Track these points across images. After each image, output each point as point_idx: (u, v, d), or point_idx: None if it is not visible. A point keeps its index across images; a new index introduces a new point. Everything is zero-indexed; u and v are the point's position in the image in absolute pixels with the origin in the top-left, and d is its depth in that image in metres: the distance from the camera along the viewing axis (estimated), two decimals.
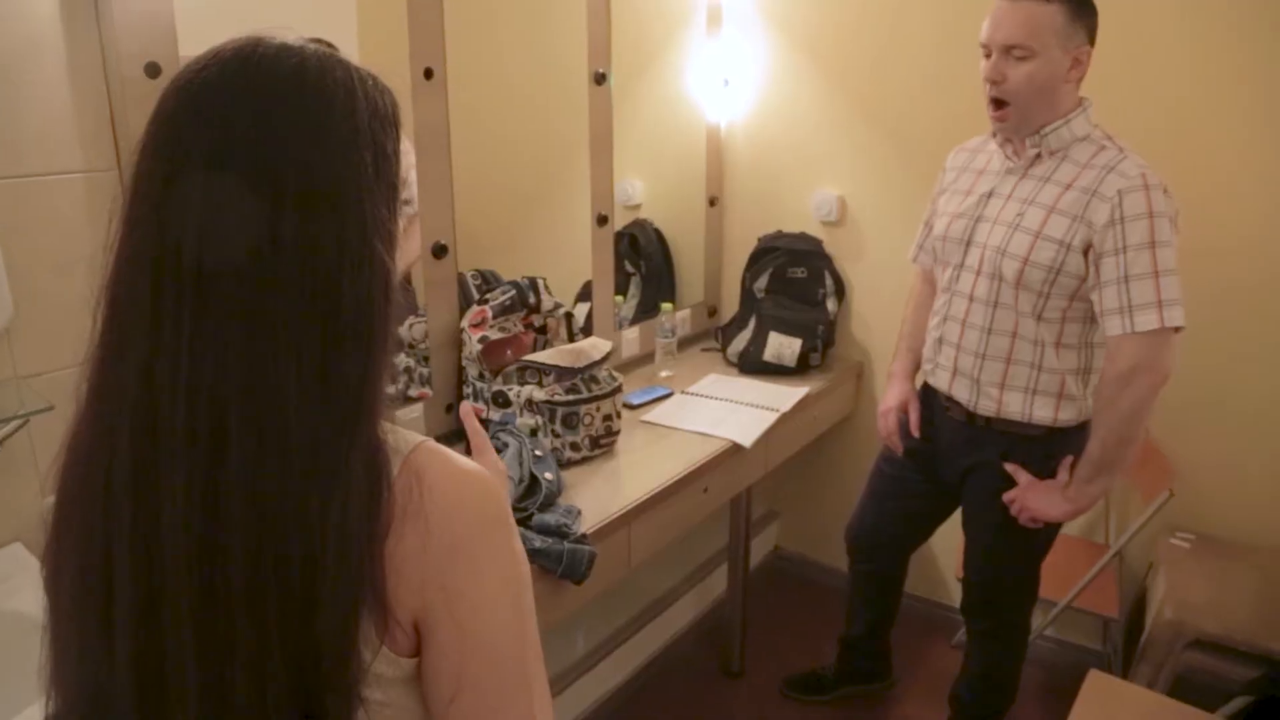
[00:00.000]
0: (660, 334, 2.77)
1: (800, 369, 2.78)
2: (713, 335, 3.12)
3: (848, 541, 2.44)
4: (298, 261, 0.64)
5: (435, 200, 2.08)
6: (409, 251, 2.18)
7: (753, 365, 2.79)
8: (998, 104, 1.80)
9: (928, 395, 2.15)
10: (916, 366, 2.24)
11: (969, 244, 1.93)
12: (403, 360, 2.18)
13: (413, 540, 0.68)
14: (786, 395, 2.58)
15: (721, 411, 2.44)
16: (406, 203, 2.19)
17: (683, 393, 2.60)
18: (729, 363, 2.89)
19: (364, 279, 0.67)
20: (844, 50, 2.81)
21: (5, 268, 1.43)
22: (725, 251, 3.23)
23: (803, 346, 2.76)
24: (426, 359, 2.14)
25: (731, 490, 2.38)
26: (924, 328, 2.18)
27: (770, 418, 2.42)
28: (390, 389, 0.72)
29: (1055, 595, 2.36)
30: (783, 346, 2.78)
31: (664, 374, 2.75)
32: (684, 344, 3.01)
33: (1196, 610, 2.13)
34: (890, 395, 2.23)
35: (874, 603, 2.48)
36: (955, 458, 2.08)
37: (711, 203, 3.14)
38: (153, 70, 1.53)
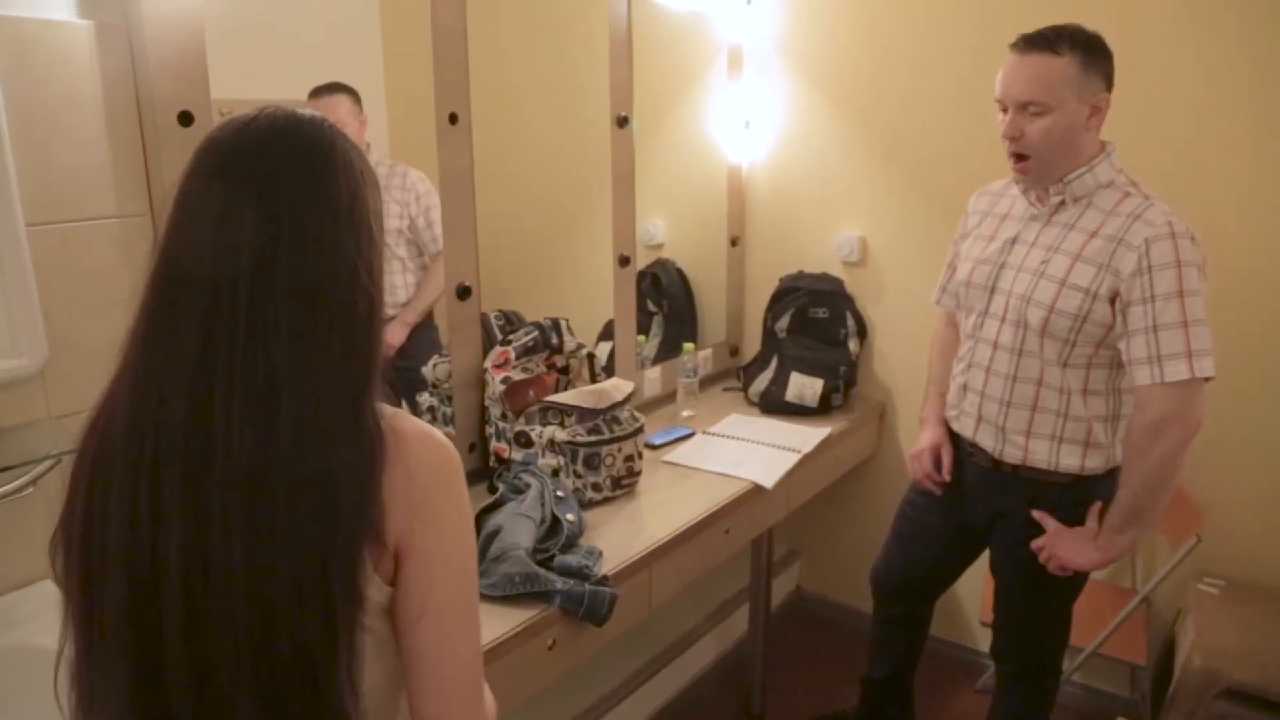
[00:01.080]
0: (682, 374, 2.78)
1: (822, 409, 2.77)
2: (734, 375, 3.12)
3: (873, 584, 2.42)
4: (327, 282, 0.84)
5: (459, 242, 2.10)
6: (432, 289, 2.21)
7: (774, 405, 2.79)
8: (1019, 158, 1.80)
9: (952, 440, 2.13)
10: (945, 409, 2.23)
11: (993, 291, 1.92)
12: (426, 400, 2.20)
13: (398, 479, 0.85)
14: (808, 435, 2.57)
15: (743, 452, 2.44)
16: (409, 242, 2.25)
17: (704, 433, 2.60)
18: (751, 402, 2.89)
19: (366, 296, 0.87)
20: (865, 92, 2.84)
21: (41, 311, 1.46)
22: (747, 291, 3.24)
23: (825, 387, 2.76)
24: (450, 398, 2.16)
25: (753, 531, 2.37)
26: (951, 371, 2.17)
27: (792, 458, 2.41)
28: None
29: (1082, 641, 2.33)
30: (805, 386, 2.78)
31: (686, 414, 2.75)
32: (706, 384, 3.02)
33: (1228, 658, 2.09)
34: (923, 438, 2.20)
35: (898, 646, 2.45)
36: (981, 503, 2.06)
37: (733, 243, 3.16)
38: (185, 119, 1.56)
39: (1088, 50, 1.73)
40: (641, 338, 2.82)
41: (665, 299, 3.04)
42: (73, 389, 1.53)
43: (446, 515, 0.89)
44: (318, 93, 2.04)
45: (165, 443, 0.80)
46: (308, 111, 0.88)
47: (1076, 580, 1.99)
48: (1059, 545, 1.88)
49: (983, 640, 2.92)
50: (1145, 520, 1.80)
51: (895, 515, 2.35)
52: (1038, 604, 2.06)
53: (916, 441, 2.23)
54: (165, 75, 1.54)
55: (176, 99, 1.55)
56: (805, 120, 2.99)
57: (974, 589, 2.68)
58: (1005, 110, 1.79)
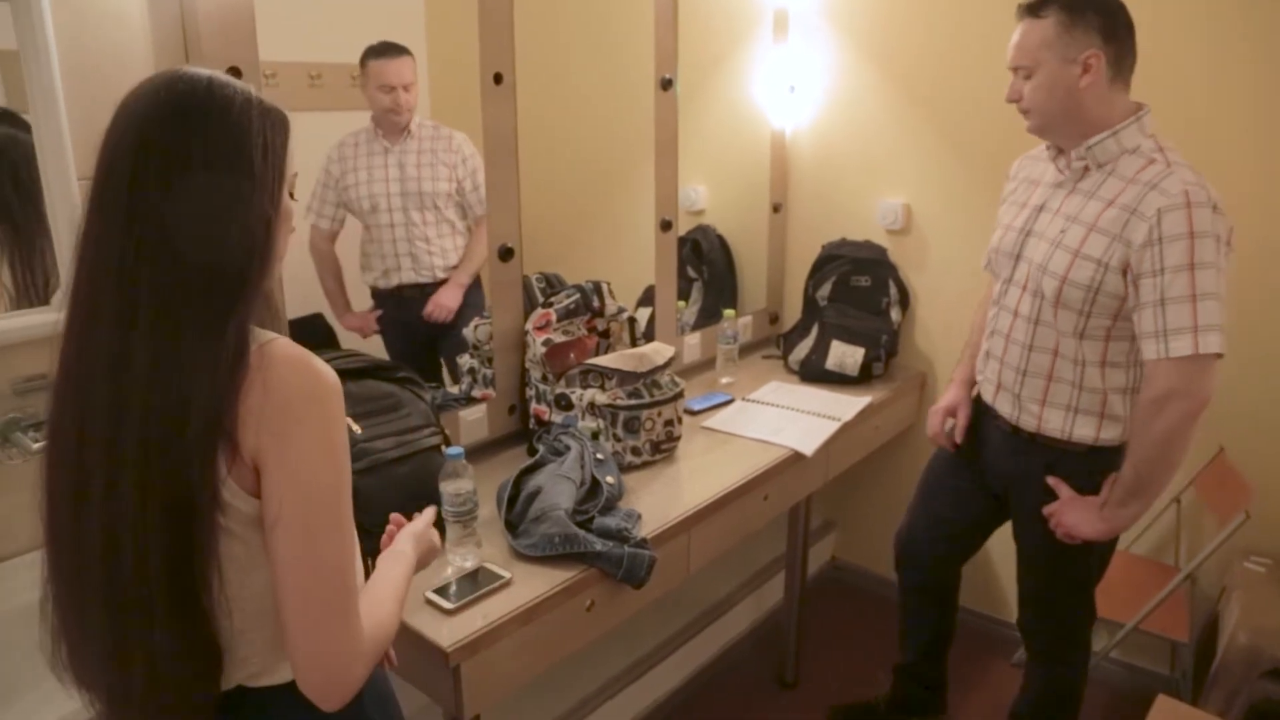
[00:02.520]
0: (722, 340, 2.76)
1: (863, 378, 2.75)
2: (774, 342, 3.10)
3: (896, 549, 2.39)
4: (202, 198, 0.91)
5: (502, 203, 2.10)
6: (480, 252, 2.21)
7: (814, 373, 2.77)
8: (1026, 114, 1.84)
9: (979, 403, 2.13)
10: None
11: (1019, 258, 1.91)
12: (466, 361, 2.21)
13: (256, 396, 0.93)
14: (848, 404, 2.56)
15: (782, 419, 2.43)
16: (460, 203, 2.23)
17: (744, 399, 2.59)
18: (790, 370, 2.87)
19: (249, 221, 0.93)
20: (910, 57, 2.78)
21: None
22: (788, 258, 3.21)
23: (865, 356, 2.74)
24: (490, 360, 2.17)
25: (791, 499, 2.37)
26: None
27: (832, 426, 2.40)
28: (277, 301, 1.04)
29: (1123, 617, 2.31)
30: (845, 355, 2.75)
31: (725, 380, 2.74)
32: (745, 350, 3.00)
33: (1274, 637, 2.06)
34: (945, 397, 2.22)
35: (927, 619, 2.41)
36: (1001, 464, 2.06)
37: (775, 209, 3.13)
38: (234, 74, 1.56)
39: (1070, 10, 1.72)
40: (681, 303, 2.81)
41: (705, 265, 3.02)
42: None
43: (302, 435, 0.95)
44: (390, 54, 2.05)
45: (66, 382, 0.94)
46: (193, 70, 0.95)
47: (1097, 551, 1.96)
48: (1067, 512, 1.87)
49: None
50: (1147, 494, 1.77)
51: (920, 478, 2.34)
52: (1058, 575, 2.03)
53: (940, 400, 2.23)
54: (214, 33, 1.53)
55: (225, 57, 1.55)
56: (850, 85, 2.94)
57: (1008, 556, 2.66)
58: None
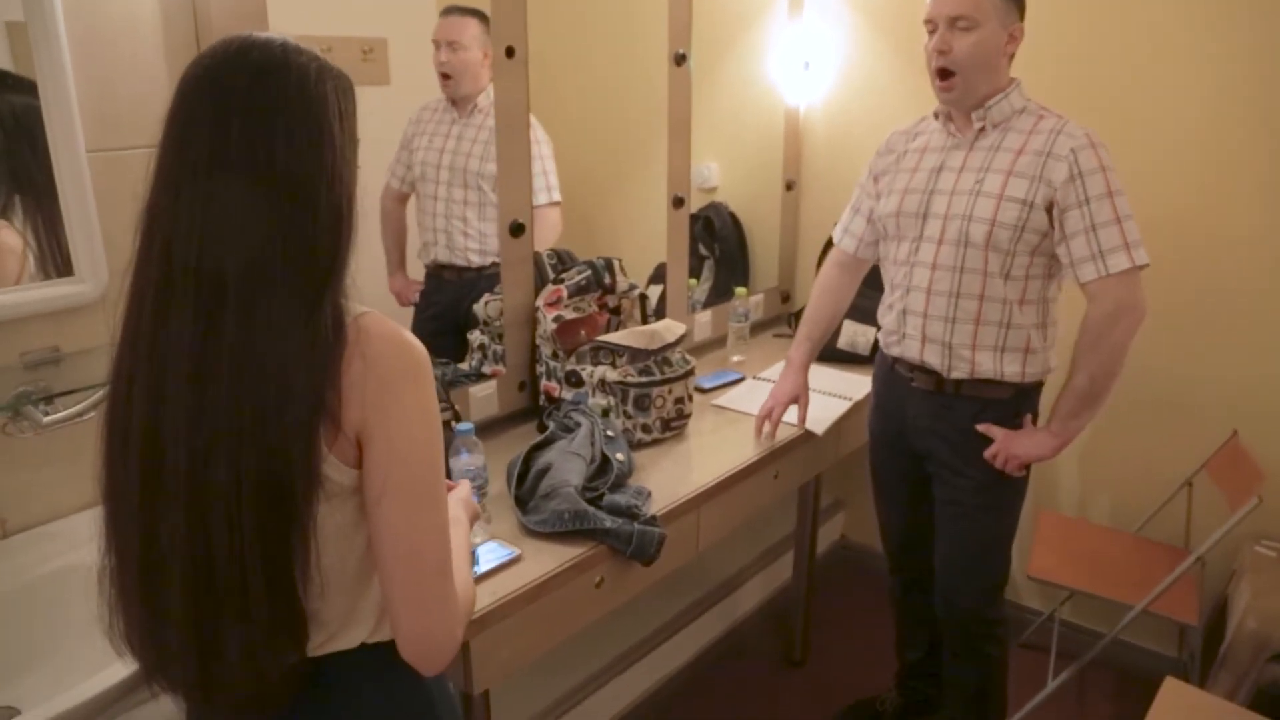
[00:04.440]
0: (733, 318, 2.75)
1: (874, 358, 2.73)
2: (786, 321, 3.09)
3: (888, 553, 2.39)
4: (288, 174, 0.88)
5: (513, 179, 2.09)
6: (547, 235, 2.25)
7: (826, 352, 2.75)
8: (944, 74, 1.89)
9: (889, 372, 2.16)
10: (813, 356, 2.28)
11: (926, 216, 1.98)
12: (477, 337, 2.20)
13: (356, 371, 0.92)
14: (859, 384, 2.55)
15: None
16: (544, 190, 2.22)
17: (754, 378, 2.58)
18: None
19: (335, 192, 0.91)
20: (925, 36, 2.74)
21: (102, 237, 1.47)
22: (801, 237, 3.19)
23: (876, 336, 2.72)
24: (500, 336, 2.16)
25: (802, 477, 2.36)
26: (829, 315, 2.29)
27: (843, 405, 2.39)
28: (351, 273, 0.96)
29: (1132, 599, 2.30)
30: (857, 334, 2.74)
31: (736, 358, 2.73)
32: (756, 329, 2.99)
33: None
34: (782, 387, 2.23)
35: (928, 614, 2.33)
36: (922, 425, 2.09)
37: (788, 187, 3.11)
38: None
39: None
40: (693, 281, 2.80)
41: (717, 243, 3.00)
42: None
43: (403, 409, 0.95)
44: (449, 11, 2.06)
45: (141, 352, 0.91)
46: (263, 35, 0.92)
47: (1015, 505, 2.08)
48: (1014, 444, 1.96)
49: (1025, 595, 2.91)
50: (1099, 404, 1.90)
51: (870, 477, 2.36)
52: (982, 530, 2.07)
53: (773, 391, 2.23)
54: (224, 5, 1.52)
55: (235, 28, 1.51)
56: (865, 63, 2.91)
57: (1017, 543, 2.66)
58: (933, 30, 1.89)
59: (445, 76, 2.11)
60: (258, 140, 0.87)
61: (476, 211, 2.18)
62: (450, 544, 1.01)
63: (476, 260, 2.21)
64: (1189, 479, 2.52)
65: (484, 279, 2.19)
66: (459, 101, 2.15)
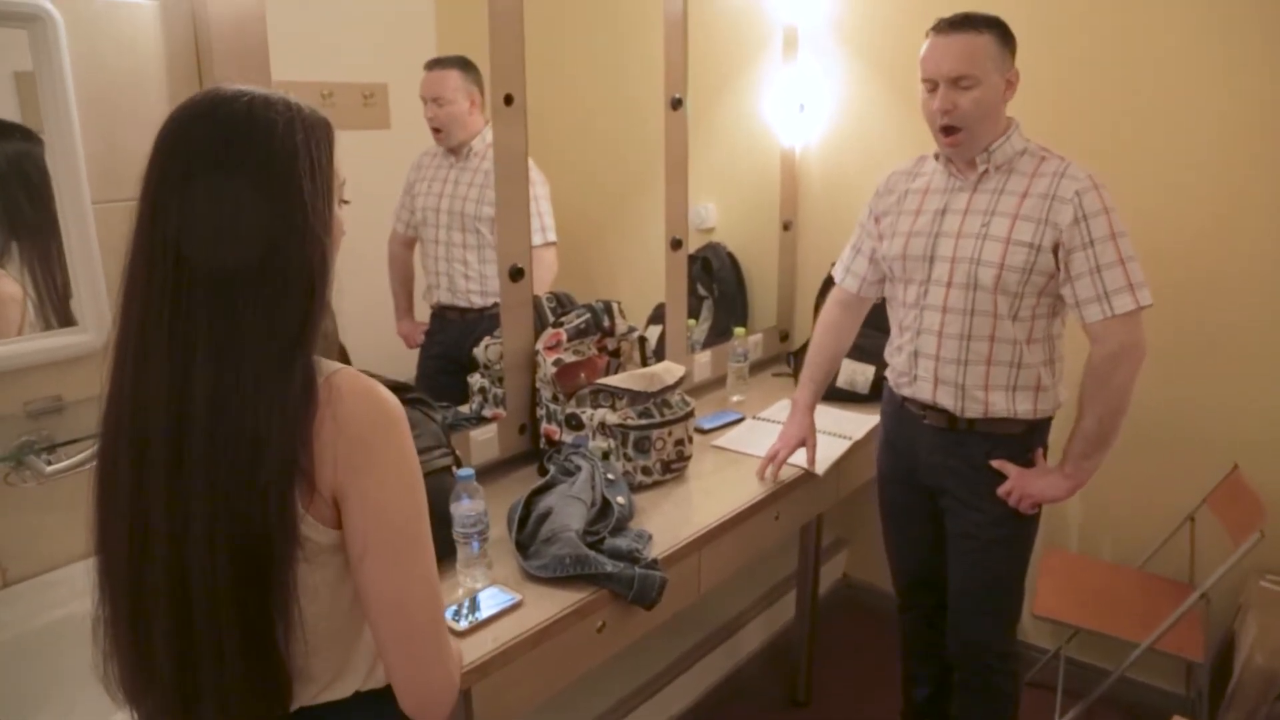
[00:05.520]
0: (732, 358, 2.76)
1: (874, 396, 2.73)
2: (785, 360, 3.10)
3: (899, 590, 2.37)
4: (255, 237, 0.88)
5: (513, 224, 2.11)
6: (544, 275, 2.27)
7: (826, 391, 2.76)
8: (948, 131, 1.90)
9: (898, 409, 2.15)
10: (818, 397, 2.27)
11: (932, 259, 1.99)
12: (477, 381, 2.21)
13: (329, 431, 0.92)
14: (859, 423, 2.55)
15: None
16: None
17: (754, 418, 2.58)
18: None
19: (306, 251, 0.91)
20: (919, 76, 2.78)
21: (106, 287, 1.49)
22: (799, 276, 3.21)
23: (877, 373, 2.73)
24: (501, 380, 2.17)
25: (803, 518, 2.36)
26: (831, 356, 2.29)
27: (843, 445, 2.39)
28: (322, 332, 0.95)
29: (1137, 636, 2.29)
30: (856, 373, 2.75)
31: (735, 398, 2.74)
32: (756, 368, 3.00)
33: None
34: (789, 430, 2.22)
35: (935, 653, 2.31)
36: (935, 461, 2.08)
37: (785, 227, 3.13)
38: None
39: (1001, 30, 1.88)
40: (691, 322, 2.81)
41: (716, 283, 3.02)
42: None
43: (377, 465, 0.94)
44: (430, 66, 2.08)
45: (125, 408, 0.92)
46: (232, 89, 0.92)
47: (1028, 541, 2.07)
48: (1027, 483, 1.97)
49: (1031, 633, 2.89)
50: (1109, 444, 1.92)
51: (880, 512, 2.34)
52: (996, 564, 2.06)
53: (781, 433, 2.22)
54: (227, 56, 1.55)
55: (238, 79, 1.54)
56: (860, 103, 2.95)
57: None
58: (933, 89, 1.90)
59: (436, 130, 2.14)
60: (224, 203, 0.87)
61: (476, 254, 2.20)
62: (442, 600, 1.01)
63: (479, 301, 2.22)
64: (1191, 513, 2.51)
65: (485, 319, 2.21)
66: (454, 149, 2.18)
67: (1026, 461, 2.00)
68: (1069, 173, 1.87)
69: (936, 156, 2.04)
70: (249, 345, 0.88)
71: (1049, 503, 1.99)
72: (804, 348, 2.92)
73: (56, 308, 1.48)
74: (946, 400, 2.01)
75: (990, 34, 1.85)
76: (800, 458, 2.23)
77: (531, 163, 2.16)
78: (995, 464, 2.00)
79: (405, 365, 2.20)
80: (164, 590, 0.91)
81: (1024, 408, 1.97)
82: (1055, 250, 1.86)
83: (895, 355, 2.13)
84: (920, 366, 2.04)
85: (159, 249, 0.88)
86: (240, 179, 0.88)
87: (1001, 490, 1.99)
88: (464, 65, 2.09)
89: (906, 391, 2.10)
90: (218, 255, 0.87)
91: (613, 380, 2.08)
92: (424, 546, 0.99)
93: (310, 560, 0.95)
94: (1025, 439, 2.00)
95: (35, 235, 1.45)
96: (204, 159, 0.88)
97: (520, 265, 2.13)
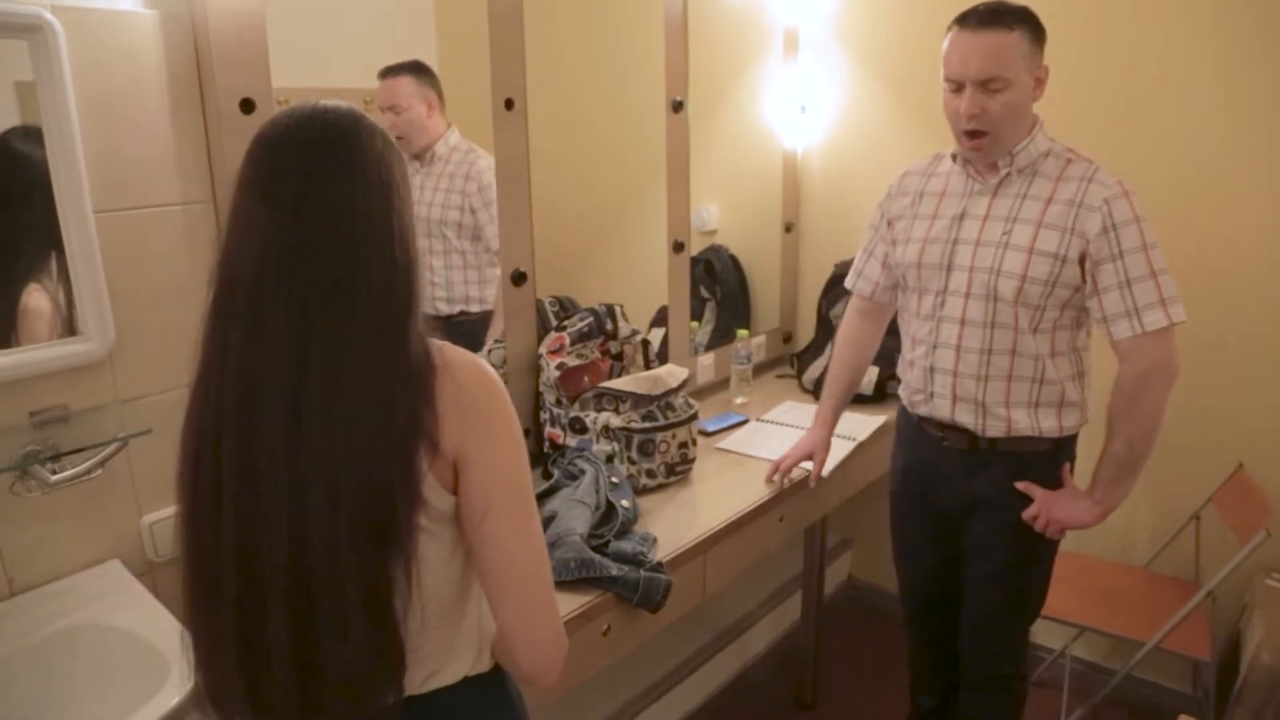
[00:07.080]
0: (735, 360, 2.76)
1: (877, 397, 2.74)
2: (788, 362, 3.10)
3: (908, 611, 2.29)
4: (367, 223, 0.94)
5: (515, 228, 2.11)
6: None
7: None
8: (974, 135, 1.79)
9: (915, 431, 2.06)
10: (838, 411, 2.20)
11: (950, 268, 1.88)
12: None
13: (450, 395, 0.97)
14: (863, 424, 2.55)
15: (797, 439, 2.41)
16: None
17: (758, 420, 2.58)
18: (804, 389, 2.87)
19: (405, 243, 0.97)
20: (922, 76, 2.78)
21: (109, 296, 1.49)
22: (801, 277, 3.21)
23: (880, 374, 2.73)
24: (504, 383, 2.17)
25: (807, 519, 2.36)
26: (852, 368, 2.19)
27: (847, 446, 2.39)
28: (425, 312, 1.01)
29: (1144, 635, 2.28)
30: None
31: (739, 400, 2.74)
32: (759, 370, 3.00)
33: None
34: (802, 441, 2.19)
35: (944, 666, 2.26)
36: (956, 486, 1.99)
37: (788, 228, 3.13)
38: (247, 106, 1.58)
39: (1034, 24, 1.75)
40: (694, 324, 2.81)
41: (718, 285, 3.02)
42: (139, 373, 1.57)
43: (498, 430, 1.00)
44: (383, 75, 2.05)
45: (227, 393, 0.93)
46: (331, 103, 0.98)
47: (1048, 560, 2.00)
48: (1055, 508, 1.86)
49: (1037, 632, 2.88)
50: (1140, 468, 1.81)
51: (891, 530, 2.26)
52: (1019, 586, 2.00)
53: (796, 444, 2.19)
54: (227, 64, 1.55)
55: (239, 87, 1.57)
56: (862, 104, 2.95)
57: None
58: (958, 89, 1.78)
59: (398, 138, 2.12)
60: (340, 191, 0.93)
61: (442, 260, 2.17)
62: (547, 552, 1.07)
63: (445, 309, 2.19)
64: (1196, 512, 2.51)
65: (453, 326, 2.17)
66: (418, 155, 2.15)
67: (1054, 481, 1.91)
68: (1097, 178, 1.75)
69: (954, 156, 1.92)
70: (363, 316, 0.92)
71: (1076, 528, 1.88)
72: (807, 348, 2.94)
73: (67, 319, 1.49)
74: (966, 418, 1.91)
75: (1022, 30, 1.71)
76: (808, 460, 2.20)
77: (490, 162, 2.08)
78: (1021, 486, 1.90)
79: None
80: (281, 566, 0.92)
81: (1048, 425, 1.87)
82: (1082, 261, 1.75)
83: (908, 370, 2.02)
84: (937, 383, 1.94)
85: (274, 225, 0.92)
86: (355, 173, 0.94)
87: (1027, 514, 1.88)
88: (416, 70, 2.06)
89: (923, 410, 1.99)
90: (335, 233, 0.92)
91: (616, 383, 2.08)
92: (535, 506, 1.05)
93: (429, 527, 0.98)
94: (1052, 457, 1.90)
95: (48, 246, 1.45)
96: (321, 151, 0.94)
97: (523, 269, 2.13)
